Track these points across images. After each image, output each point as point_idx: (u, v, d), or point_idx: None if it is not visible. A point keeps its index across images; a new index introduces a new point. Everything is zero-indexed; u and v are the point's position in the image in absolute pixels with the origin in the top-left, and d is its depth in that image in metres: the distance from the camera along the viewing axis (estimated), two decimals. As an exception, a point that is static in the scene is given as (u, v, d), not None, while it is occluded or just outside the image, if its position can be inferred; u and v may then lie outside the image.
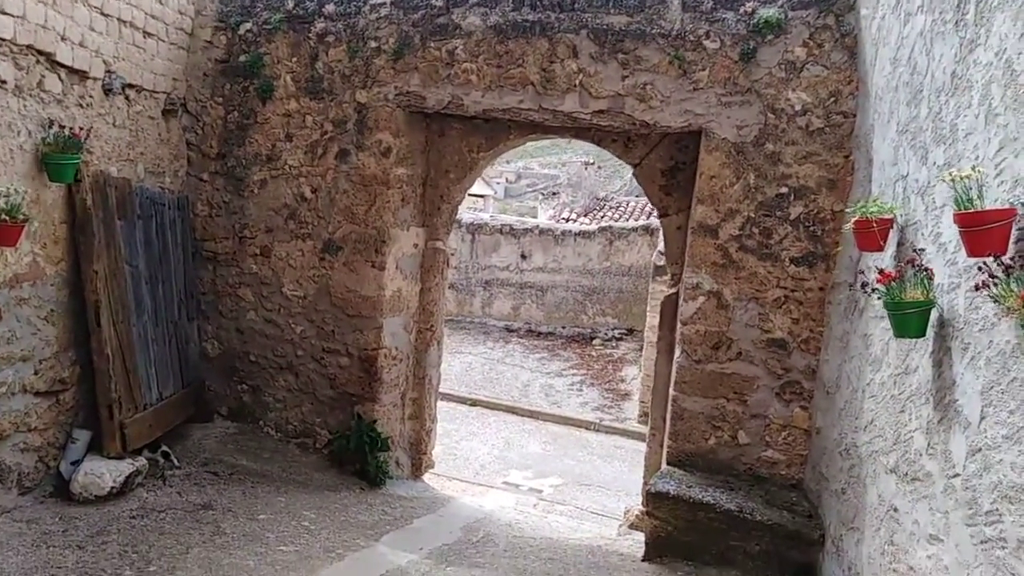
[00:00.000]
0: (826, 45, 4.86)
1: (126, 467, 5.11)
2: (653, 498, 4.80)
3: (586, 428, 11.14)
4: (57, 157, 4.66)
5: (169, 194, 6.19)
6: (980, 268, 2.46)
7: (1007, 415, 2.54)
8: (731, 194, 5.08)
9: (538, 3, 5.43)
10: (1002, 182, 2.77)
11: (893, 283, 3.26)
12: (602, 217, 20.57)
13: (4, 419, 4.64)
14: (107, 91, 5.36)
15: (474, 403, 11.85)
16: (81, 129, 4.92)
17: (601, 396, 12.57)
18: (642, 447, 10.18)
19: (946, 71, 3.45)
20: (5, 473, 4.69)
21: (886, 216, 3.73)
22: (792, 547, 4.48)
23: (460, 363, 13.91)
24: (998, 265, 2.36)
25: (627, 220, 19.08)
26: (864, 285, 3.45)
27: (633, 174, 5.94)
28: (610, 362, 14.43)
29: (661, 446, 5.62)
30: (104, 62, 5.28)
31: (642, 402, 11.30)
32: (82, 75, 5.08)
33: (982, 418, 2.73)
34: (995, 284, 2.33)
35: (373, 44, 5.86)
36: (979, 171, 2.75)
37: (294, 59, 6.12)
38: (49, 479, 5.02)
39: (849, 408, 4.28)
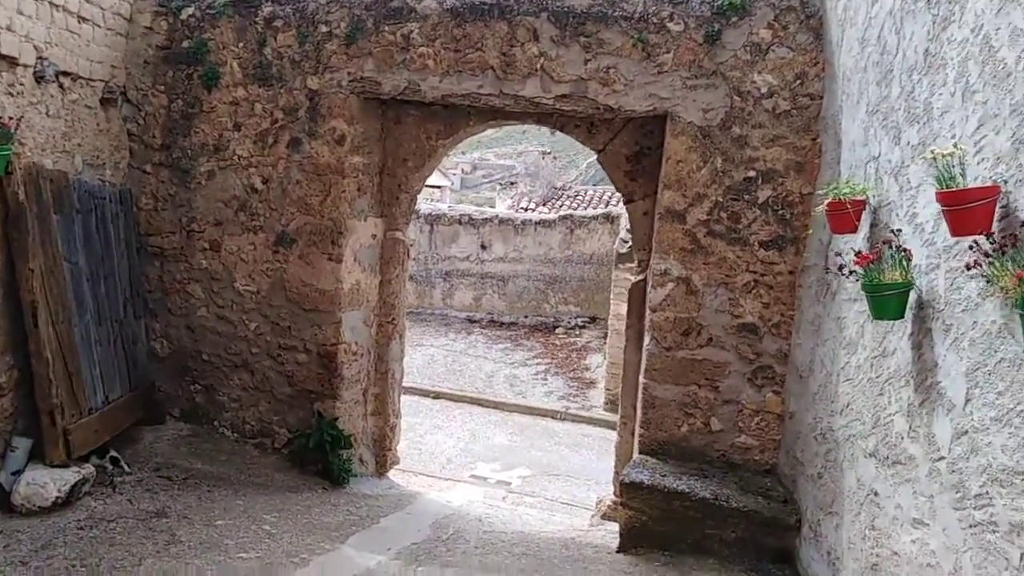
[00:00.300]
0: (791, 27, 4.79)
1: (71, 475, 4.81)
2: (627, 488, 4.71)
3: (552, 417, 11.07)
4: (-16, 148, 4.34)
5: (110, 187, 5.86)
6: (971, 247, 2.38)
7: (995, 397, 2.48)
8: (698, 178, 4.99)
9: (497, -17, 5.25)
10: (983, 159, 2.71)
11: (871, 265, 3.19)
12: (561, 206, 20.49)
13: (-65, 431, 4.33)
14: (39, 79, 5.02)
15: (438, 396, 11.68)
16: (11, 119, 4.59)
17: (566, 385, 12.50)
18: (609, 435, 10.19)
19: (918, 50, 3.39)
20: (-62, 488, 4.38)
21: (859, 197, 3.67)
22: (768, 533, 4.43)
23: (422, 355, 13.71)
24: (991, 243, 2.28)
25: (586, 209, 19.03)
26: (841, 268, 3.38)
27: (597, 160, 5.81)
28: (574, 350, 14.38)
29: (632, 435, 5.53)
30: (35, 48, 4.94)
31: (608, 389, 11.27)
32: (11, 61, 4.74)
33: (967, 400, 2.67)
34: (991, 263, 2.24)
35: (324, 28, 5.61)
36: (961, 148, 2.68)
37: (240, 44, 5.84)
38: (-13, 492, 4.71)
39: (824, 392, 4.23)
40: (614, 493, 5.86)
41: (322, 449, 5.77)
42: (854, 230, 3.71)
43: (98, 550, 4.20)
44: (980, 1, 2.80)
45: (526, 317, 16.40)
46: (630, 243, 11.07)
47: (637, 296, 5.65)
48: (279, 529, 4.80)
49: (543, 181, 22.42)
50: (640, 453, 5.16)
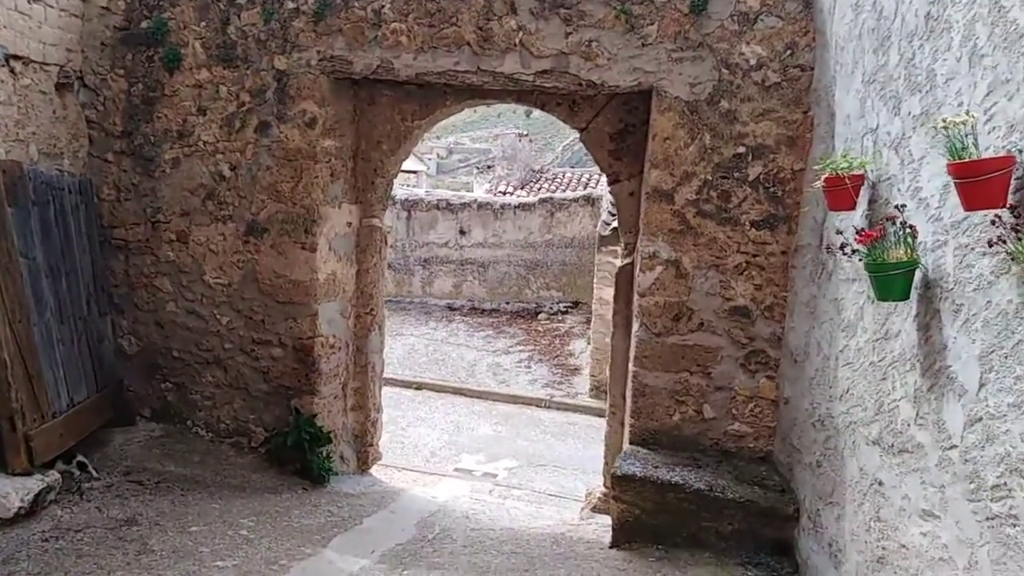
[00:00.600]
0: (780, -6, 4.58)
1: (35, 484, 4.56)
2: (619, 481, 4.54)
3: (537, 406, 10.91)
4: (-74, 137, 4.04)
5: (69, 177, 5.56)
6: (994, 222, 2.20)
7: (1013, 381, 2.32)
8: (686, 156, 4.79)
9: (471, -45, 4.99)
10: (994, 128, 2.53)
11: (875, 243, 3.02)
12: (539, 189, 20.26)
13: None
14: (-14, 62, 4.72)
15: (419, 387, 11.48)
16: (-45, 105, 4.30)
17: (550, 372, 12.34)
18: (595, 422, 10.07)
19: (919, 13, 3.20)
20: None
21: (857, 172, 3.49)
22: (766, 524, 4.28)
23: (402, 345, 13.48)
24: (1015, 217, 2.10)
25: (566, 191, 18.81)
26: (843, 246, 3.20)
27: (580, 139, 5.59)
28: (557, 336, 14.21)
29: (622, 424, 5.36)
30: (-20, 29, 4.64)
31: (593, 376, 11.13)
32: (-47, 44, 4.44)
33: (981, 385, 2.50)
34: (1020, 237, 2.06)
35: (291, 5, 5.33)
36: (973, 116, 2.50)
37: (203, 24, 5.54)
38: (-56, 504, 4.44)
39: (821, 377, 4.07)
40: (604, 485, 5.69)
41: (301, 447, 5.55)
42: (852, 207, 3.54)
43: (64, 563, 3.97)
44: (988, -41, 2.62)
45: (507, 303, 16.20)
46: (613, 225, 10.88)
47: (624, 280, 5.46)
48: (257, 534, 4.58)
49: (520, 164, 22.10)
50: (631, 443, 4.99)
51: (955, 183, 2.46)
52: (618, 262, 5.87)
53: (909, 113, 3.23)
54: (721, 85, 4.70)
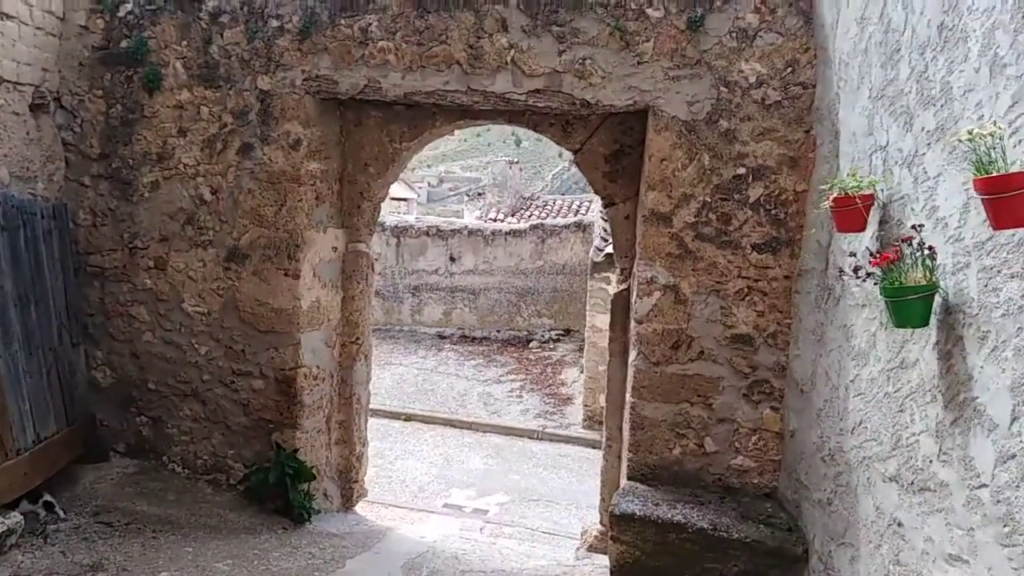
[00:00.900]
0: (779, 10, 4.44)
1: (-6, 527, 4.27)
2: (617, 520, 4.28)
3: (529, 437, 10.61)
4: None
5: (43, 201, 5.34)
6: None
7: (1052, 415, 2.11)
8: (684, 177, 4.61)
9: (461, -28, 4.85)
10: (1020, 141, 2.35)
11: (892, 265, 2.82)
12: (530, 216, 20.12)
13: None
14: (-47, 80, 4.51)
15: (408, 418, 11.17)
16: (-83, 124, 4.08)
17: (542, 402, 12.06)
18: (589, 453, 9.80)
19: (931, 24, 3.05)
20: None
21: (867, 192, 3.31)
22: (773, 565, 4.03)
23: (391, 375, 13.18)
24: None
25: (556, 218, 18.68)
26: (857, 269, 3.00)
27: (574, 161, 5.41)
28: (549, 365, 13.95)
29: (619, 458, 5.12)
30: (-53, 46, 4.44)
31: (586, 406, 10.88)
32: (-83, 60, 4.24)
33: (1014, 419, 2.29)
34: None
35: (275, 23, 5.17)
36: (999, 127, 2.32)
37: (184, 43, 5.36)
38: None
39: (830, 408, 3.85)
40: (600, 522, 5.43)
41: (282, 484, 5.28)
42: (863, 228, 3.35)
43: (20, 613, 3.68)
44: (1007, -38, 2.46)
45: (498, 331, 15.95)
46: (605, 251, 10.71)
47: (620, 307, 5.24)
48: (232, 578, 4.30)
49: (511, 191, 21.97)
50: (629, 479, 4.74)
51: (982, 200, 2.27)
52: (612, 288, 5.67)
53: (923, 128, 3.06)
54: (720, 104, 4.54)
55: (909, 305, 2.75)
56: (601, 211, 11.62)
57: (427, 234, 16.62)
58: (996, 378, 2.39)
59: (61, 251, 5.42)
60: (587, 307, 11.53)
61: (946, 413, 2.70)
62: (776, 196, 4.51)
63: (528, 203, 22.63)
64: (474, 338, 15.83)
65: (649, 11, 4.58)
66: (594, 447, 9.76)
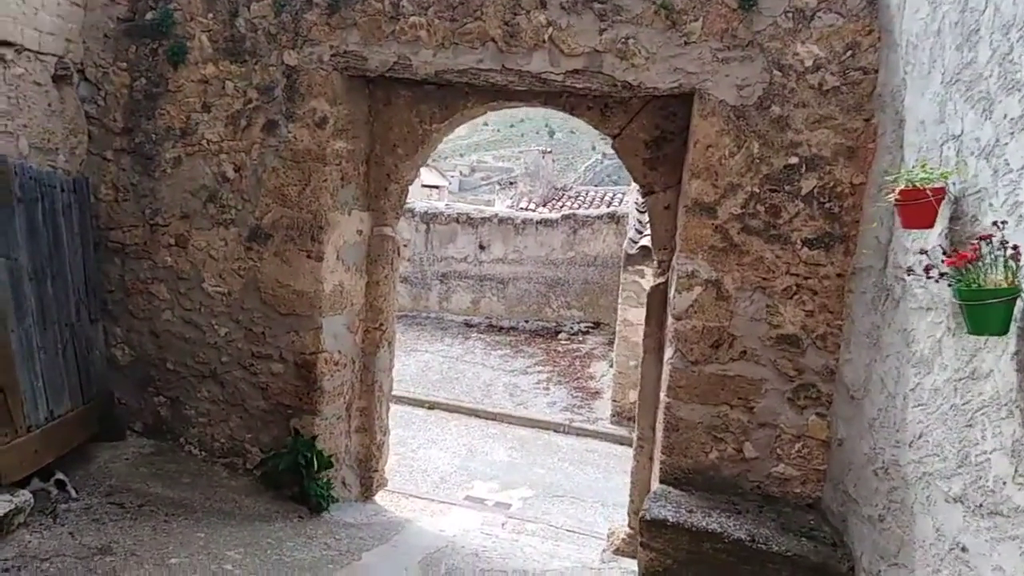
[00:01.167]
0: (840, -12, 4.12)
1: (2, 505, 4.15)
2: (648, 526, 4.03)
3: (555, 431, 10.37)
4: None
5: (63, 175, 5.21)
6: None
7: None
8: (731, 166, 4.32)
9: (499, -57, 4.58)
10: None
11: (970, 266, 2.54)
12: (562, 207, 19.83)
13: None
14: (-28, 46, 4.38)
15: (432, 406, 11.00)
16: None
17: (570, 395, 11.80)
18: (616, 450, 9.55)
19: (1017, 1, 2.74)
20: None
21: (938, 184, 3.01)
22: (815, 583, 3.76)
23: (416, 362, 13.03)
24: None
25: (589, 209, 18.36)
26: (928, 269, 2.72)
27: (612, 147, 5.13)
28: (577, 357, 13.68)
29: (651, 460, 4.86)
30: (-32, 10, 4.30)
31: (615, 401, 10.61)
32: (-64, 24, 4.10)
33: (1109, 442, 2.01)
34: None
35: (304, -5, 4.96)
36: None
37: (210, 15, 5.18)
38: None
39: (885, 418, 3.56)
40: (629, 524, 5.18)
41: (298, 471, 5.11)
42: (932, 224, 3.06)
43: (23, 596, 3.55)
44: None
45: (526, 322, 15.71)
46: (640, 243, 10.39)
47: (656, 301, 4.98)
48: (243, 568, 4.15)
49: (543, 181, 21.71)
50: (661, 482, 4.49)
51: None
52: (647, 282, 5.40)
53: (1005, 116, 2.76)
54: (772, 88, 4.24)
55: (988, 310, 2.47)
56: (637, 202, 11.30)
57: (457, 221, 16.41)
58: (1089, 396, 2.11)
59: (81, 226, 5.29)
60: (619, 300, 11.23)
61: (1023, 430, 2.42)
62: (831, 188, 4.20)
63: (560, 193, 22.36)
64: (501, 328, 15.62)
65: (699, -13, 4.28)
66: (622, 443, 9.51)
